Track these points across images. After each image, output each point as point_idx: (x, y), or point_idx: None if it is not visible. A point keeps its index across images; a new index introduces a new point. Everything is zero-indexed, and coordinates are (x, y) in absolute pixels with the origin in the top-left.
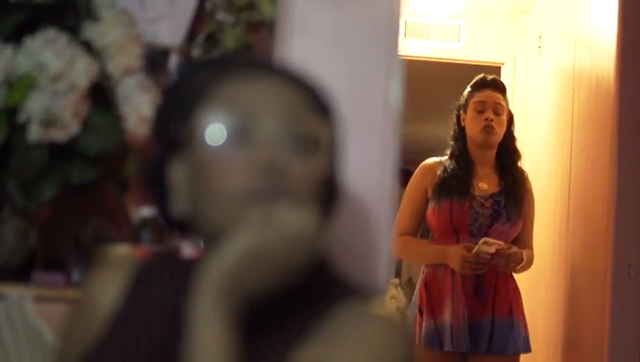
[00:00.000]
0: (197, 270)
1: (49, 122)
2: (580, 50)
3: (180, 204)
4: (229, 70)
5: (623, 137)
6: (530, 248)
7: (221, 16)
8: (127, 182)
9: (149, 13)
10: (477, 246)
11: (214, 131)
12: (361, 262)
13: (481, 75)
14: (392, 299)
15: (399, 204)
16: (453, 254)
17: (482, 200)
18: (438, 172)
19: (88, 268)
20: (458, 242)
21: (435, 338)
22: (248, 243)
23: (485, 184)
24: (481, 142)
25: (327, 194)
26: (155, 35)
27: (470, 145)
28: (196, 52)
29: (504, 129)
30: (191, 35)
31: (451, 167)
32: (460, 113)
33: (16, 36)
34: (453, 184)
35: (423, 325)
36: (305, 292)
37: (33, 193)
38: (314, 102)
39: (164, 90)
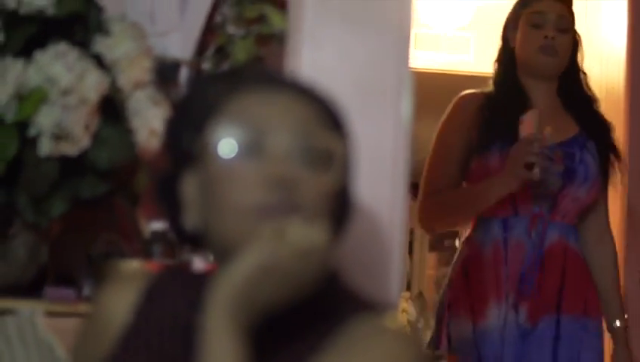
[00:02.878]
0: (209, 285)
1: (60, 136)
2: (590, 59)
3: (191, 218)
4: (242, 83)
5: (633, 147)
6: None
7: (231, 28)
8: (137, 197)
9: (160, 26)
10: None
11: (226, 145)
12: (372, 277)
13: None
14: (403, 313)
15: (410, 218)
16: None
17: (548, 152)
18: (480, 109)
19: (100, 282)
20: (517, 214)
21: (471, 346)
22: (260, 257)
23: (549, 127)
24: (537, 66)
25: (340, 209)
26: (165, 49)
27: (521, 73)
28: (206, 65)
29: (569, 52)
30: (201, 48)
31: (499, 100)
32: (508, 32)
33: (26, 50)
34: (504, 125)
35: (455, 326)
36: (317, 307)
37: (44, 208)
38: (326, 116)
39: (176, 102)
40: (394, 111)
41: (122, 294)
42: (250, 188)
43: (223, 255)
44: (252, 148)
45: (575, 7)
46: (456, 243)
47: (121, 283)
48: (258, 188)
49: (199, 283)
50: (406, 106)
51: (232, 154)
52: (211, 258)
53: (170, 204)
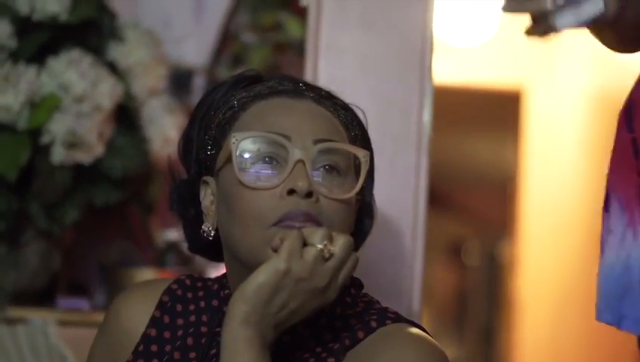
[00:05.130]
0: (227, 295)
1: (73, 144)
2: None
3: (208, 228)
4: (263, 90)
5: None
6: None
7: (247, 36)
8: (151, 205)
9: (174, 33)
10: None
11: (245, 153)
12: (394, 286)
13: None
14: None
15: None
16: None
17: None
18: None
19: (113, 291)
20: None
21: None
22: (279, 270)
23: None
24: None
25: (361, 217)
26: (179, 56)
27: None
28: (221, 72)
29: None
30: (216, 55)
31: None
32: None
33: (39, 56)
34: None
35: None
36: (340, 317)
37: (56, 215)
38: (348, 125)
39: (194, 109)
40: (415, 121)
41: (140, 304)
42: (270, 200)
43: (242, 264)
44: (271, 157)
45: None
46: None
47: (138, 293)
48: (277, 199)
49: (217, 292)
50: (427, 117)
51: (251, 163)
52: (228, 267)
53: (188, 214)
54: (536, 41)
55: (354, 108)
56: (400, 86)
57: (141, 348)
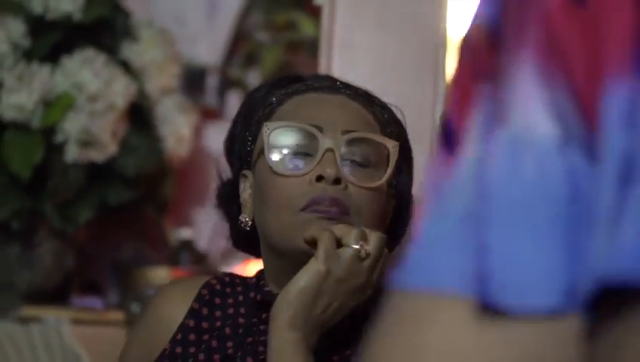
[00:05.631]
0: (263, 286)
1: (87, 142)
2: None
3: (245, 218)
4: (299, 87)
5: None
6: None
7: (260, 35)
8: (164, 204)
9: (187, 32)
10: None
11: (277, 143)
12: None
13: None
14: None
15: None
16: None
17: None
18: None
19: (130, 291)
20: None
21: None
22: (320, 272)
23: None
24: None
25: (400, 214)
26: (193, 55)
27: None
28: (234, 71)
29: None
30: (229, 54)
31: None
32: None
33: (53, 56)
34: None
35: None
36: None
37: (70, 214)
38: (383, 121)
39: (238, 108)
40: (429, 119)
41: (178, 296)
42: (299, 186)
43: (275, 252)
44: (303, 147)
45: None
46: None
47: (177, 287)
48: (306, 186)
49: (253, 284)
50: None
51: (283, 155)
52: (264, 259)
53: (230, 210)
54: None
55: (392, 107)
56: (414, 85)
57: (179, 336)
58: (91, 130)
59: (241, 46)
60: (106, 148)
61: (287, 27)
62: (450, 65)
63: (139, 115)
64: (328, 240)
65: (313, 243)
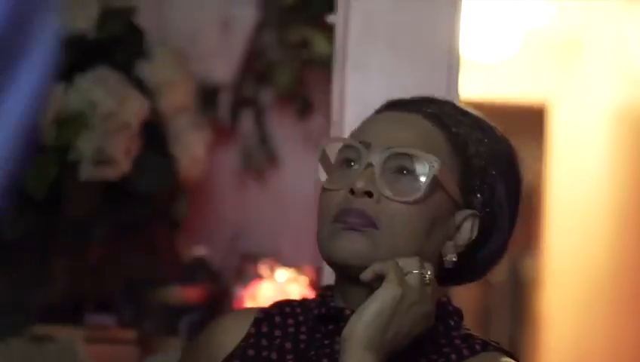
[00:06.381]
0: (324, 296)
1: (100, 161)
2: (631, 86)
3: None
4: (383, 105)
5: None
6: None
7: (273, 53)
8: (178, 222)
9: (201, 50)
10: None
11: (329, 158)
12: None
13: None
14: None
15: None
16: None
17: None
18: None
19: (143, 309)
20: None
21: None
22: (396, 295)
23: None
24: None
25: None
26: (206, 73)
27: None
28: (248, 89)
29: None
30: (243, 72)
31: None
32: None
33: (67, 74)
34: None
35: None
36: (443, 336)
37: (84, 233)
38: (459, 144)
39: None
40: None
41: (234, 322)
42: (335, 198)
43: (330, 265)
44: (351, 163)
45: None
46: None
47: (233, 314)
48: (341, 198)
49: (315, 299)
50: None
51: (334, 166)
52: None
53: None
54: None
55: (501, 142)
56: None
57: (237, 352)
58: (105, 149)
59: (254, 64)
60: (120, 167)
61: (301, 45)
62: (463, 85)
63: (152, 134)
64: (396, 267)
65: (377, 278)
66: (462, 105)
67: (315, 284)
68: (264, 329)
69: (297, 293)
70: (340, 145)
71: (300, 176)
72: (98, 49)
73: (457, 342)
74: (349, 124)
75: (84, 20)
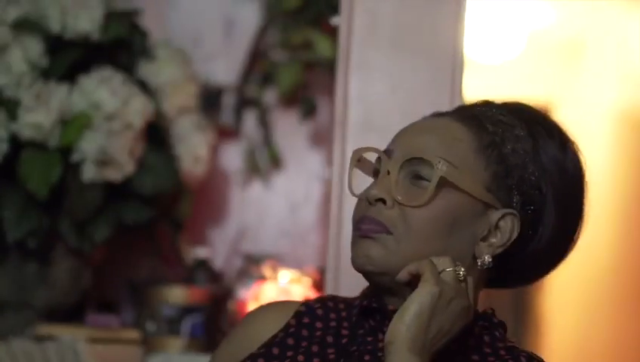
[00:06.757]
0: (377, 304)
1: (104, 162)
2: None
3: None
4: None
5: None
6: None
7: (276, 54)
8: (181, 223)
9: (204, 51)
10: None
11: (358, 167)
12: None
13: None
14: None
15: None
16: None
17: None
18: None
19: (145, 310)
20: None
21: None
22: (434, 293)
23: None
24: None
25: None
26: (209, 74)
27: None
28: (251, 91)
29: None
30: (246, 73)
31: None
32: None
33: (71, 75)
34: None
35: None
36: (488, 345)
37: (87, 233)
38: (484, 141)
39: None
40: None
41: (274, 312)
42: (359, 205)
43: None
44: (376, 169)
45: None
46: None
47: (274, 305)
48: (361, 205)
49: (355, 303)
50: None
51: (363, 174)
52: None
53: None
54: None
55: (550, 139)
56: (431, 105)
57: (278, 338)
58: (108, 150)
59: (257, 65)
60: (123, 168)
61: (304, 46)
62: (467, 86)
63: (156, 135)
64: (431, 265)
65: (415, 277)
66: (518, 104)
67: (318, 285)
68: (305, 320)
69: (300, 295)
70: (362, 154)
71: (303, 177)
72: (102, 50)
73: (502, 352)
74: (352, 125)
75: (88, 22)
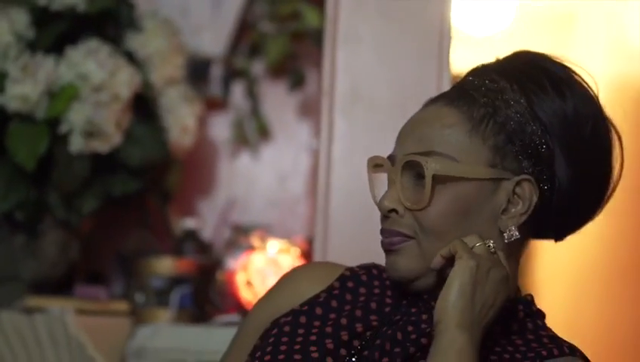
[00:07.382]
0: (427, 299)
1: (91, 133)
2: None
3: None
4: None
5: None
6: None
7: (264, 26)
8: (169, 194)
9: (192, 22)
10: None
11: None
12: None
13: None
14: None
15: None
16: None
17: None
18: None
19: (134, 281)
20: None
21: None
22: (472, 266)
23: None
24: None
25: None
26: (197, 45)
27: None
28: (239, 62)
29: None
30: (234, 45)
31: None
32: None
33: (57, 46)
34: None
35: None
36: (532, 332)
37: (75, 205)
38: (476, 117)
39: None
40: None
41: (316, 277)
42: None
43: None
44: (381, 161)
45: None
46: None
47: (319, 264)
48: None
49: (386, 280)
50: None
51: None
52: None
53: None
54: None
55: (552, 92)
56: (418, 75)
57: (321, 298)
58: (96, 121)
59: (245, 36)
60: (111, 139)
61: (292, 17)
62: (456, 58)
63: (143, 106)
64: (462, 243)
65: (449, 258)
66: (509, 59)
67: (306, 255)
68: (350, 284)
69: (289, 265)
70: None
71: (291, 147)
72: (89, 21)
73: (545, 341)
74: (340, 96)
75: None
